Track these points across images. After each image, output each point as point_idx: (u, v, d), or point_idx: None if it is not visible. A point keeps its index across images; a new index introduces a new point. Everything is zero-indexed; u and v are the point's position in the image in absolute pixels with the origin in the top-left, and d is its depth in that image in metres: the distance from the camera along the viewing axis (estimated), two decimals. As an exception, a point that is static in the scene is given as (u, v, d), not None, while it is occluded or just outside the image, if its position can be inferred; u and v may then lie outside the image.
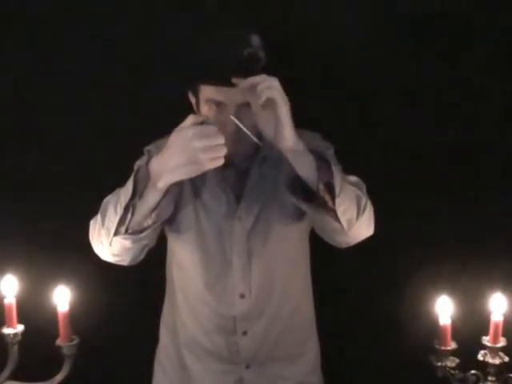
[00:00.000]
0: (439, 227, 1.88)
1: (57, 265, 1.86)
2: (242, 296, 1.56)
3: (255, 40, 1.39)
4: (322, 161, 1.33)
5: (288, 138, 1.30)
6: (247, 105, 1.36)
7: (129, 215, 1.33)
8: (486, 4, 1.76)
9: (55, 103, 1.90)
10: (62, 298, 1.32)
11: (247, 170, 1.53)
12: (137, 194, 1.32)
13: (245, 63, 1.36)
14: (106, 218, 1.36)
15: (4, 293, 1.35)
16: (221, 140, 1.24)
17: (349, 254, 1.51)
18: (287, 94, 1.31)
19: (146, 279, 1.89)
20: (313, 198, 1.34)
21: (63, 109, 1.91)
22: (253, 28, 1.42)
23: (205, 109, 1.42)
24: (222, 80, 1.35)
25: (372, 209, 1.43)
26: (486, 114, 1.83)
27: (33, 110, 1.92)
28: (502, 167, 1.85)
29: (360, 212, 1.37)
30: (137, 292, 1.96)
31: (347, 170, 1.52)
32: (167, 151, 1.28)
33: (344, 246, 1.46)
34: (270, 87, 1.28)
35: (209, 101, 1.41)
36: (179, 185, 1.39)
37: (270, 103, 1.29)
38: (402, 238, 1.89)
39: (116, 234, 1.35)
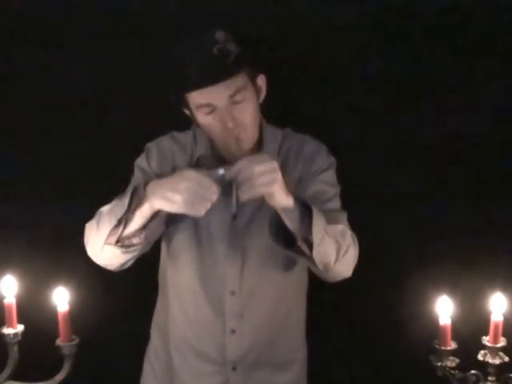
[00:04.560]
0: (439, 227, 1.88)
1: (56, 265, 1.86)
2: (233, 293, 1.57)
3: (220, 35, 1.42)
4: (305, 212, 1.37)
5: (281, 202, 1.35)
6: (236, 95, 1.42)
7: (121, 227, 1.38)
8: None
9: (52, 105, 1.91)
10: (62, 298, 1.32)
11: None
12: (130, 209, 1.37)
13: (216, 59, 1.40)
14: (101, 225, 1.41)
15: (4, 293, 1.35)
16: (213, 196, 1.31)
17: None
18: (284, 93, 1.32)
19: (145, 279, 1.88)
20: (294, 242, 1.40)
21: (62, 110, 1.91)
22: (216, 26, 1.44)
23: (199, 116, 1.47)
24: (200, 82, 1.41)
25: (354, 253, 1.47)
26: (487, 111, 1.83)
27: (31, 110, 1.92)
28: (501, 166, 1.85)
29: (338, 259, 1.43)
30: (136, 292, 1.96)
31: (348, 171, 1.52)
32: (167, 182, 1.34)
33: (323, 280, 1.52)
34: (269, 182, 1.31)
35: (199, 107, 1.46)
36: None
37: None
38: (402, 238, 1.89)
39: (107, 242, 1.40)
